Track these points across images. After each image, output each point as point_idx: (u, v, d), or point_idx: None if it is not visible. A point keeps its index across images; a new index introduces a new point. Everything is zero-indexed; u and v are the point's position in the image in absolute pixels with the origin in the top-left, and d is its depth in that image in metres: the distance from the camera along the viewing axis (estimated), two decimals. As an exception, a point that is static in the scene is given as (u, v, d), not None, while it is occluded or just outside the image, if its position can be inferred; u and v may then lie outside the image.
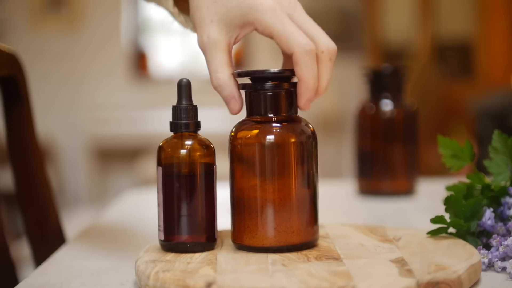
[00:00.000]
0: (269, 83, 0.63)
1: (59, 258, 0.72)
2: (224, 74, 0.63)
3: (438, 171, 3.03)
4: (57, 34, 4.22)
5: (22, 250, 2.50)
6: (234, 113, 0.64)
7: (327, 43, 0.63)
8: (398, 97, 1.08)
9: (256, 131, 0.63)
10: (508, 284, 0.58)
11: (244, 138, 0.63)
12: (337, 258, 0.60)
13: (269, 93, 0.63)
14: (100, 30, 4.21)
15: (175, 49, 4.31)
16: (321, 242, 0.66)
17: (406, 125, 1.08)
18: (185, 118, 0.64)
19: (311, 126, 0.64)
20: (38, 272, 0.66)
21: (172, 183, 0.63)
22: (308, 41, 0.62)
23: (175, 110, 0.64)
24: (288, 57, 0.64)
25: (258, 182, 0.62)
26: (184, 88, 0.65)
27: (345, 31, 4.30)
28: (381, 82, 1.08)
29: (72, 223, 3.05)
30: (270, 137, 0.62)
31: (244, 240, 0.63)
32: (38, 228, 0.85)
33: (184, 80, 0.65)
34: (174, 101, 0.66)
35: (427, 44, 4.16)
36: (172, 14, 0.72)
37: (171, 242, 0.64)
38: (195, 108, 0.64)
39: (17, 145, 0.83)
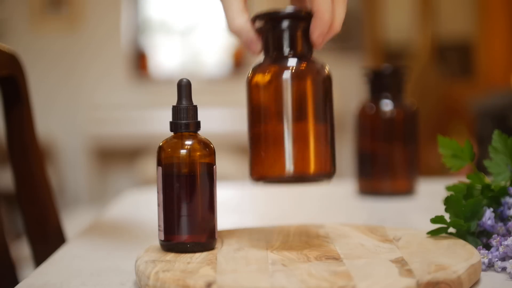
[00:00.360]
0: (286, 22, 0.63)
1: (59, 258, 0.72)
2: (241, 19, 0.64)
3: (438, 171, 3.03)
4: (57, 34, 4.22)
5: (22, 250, 2.50)
6: (256, 53, 0.65)
7: None
8: (398, 97, 1.08)
9: (273, 68, 0.63)
10: (508, 284, 0.58)
11: (262, 75, 0.64)
12: (337, 258, 0.60)
13: (285, 32, 0.63)
14: (100, 30, 4.21)
15: (175, 49, 4.31)
16: (321, 242, 0.66)
17: (406, 125, 1.08)
18: (185, 118, 0.64)
19: (327, 68, 0.65)
20: (38, 272, 0.66)
21: (172, 183, 0.63)
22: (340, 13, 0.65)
23: (175, 110, 0.64)
24: None
25: (275, 116, 0.62)
26: (184, 88, 0.65)
27: (345, 31, 4.29)
28: (381, 82, 1.08)
29: (72, 223, 3.05)
30: (287, 73, 0.63)
31: (263, 171, 0.62)
32: (38, 228, 0.85)
33: (184, 80, 0.65)
34: (174, 101, 0.66)
35: (427, 44, 4.16)
36: None
37: (171, 242, 0.64)
38: (195, 108, 0.65)
39: (17, 145, 0.83)
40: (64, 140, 4.26)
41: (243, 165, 3.84)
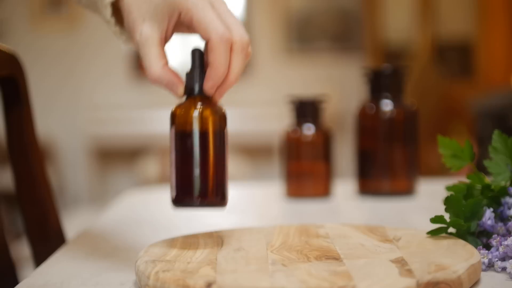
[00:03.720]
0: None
1: (59, 258, 0.72)
2: (158, 66, 0.66)
3: (438, 171, 3.03)
4: (57, 34, 4.22)
5: (22, 250, 2.50)
6: (179, 96, 0.67)
7: (242, 34, 0.65)
8: (398, 97, 1.08)
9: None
10: (508, 284, 0.58)
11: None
12: (337, 258, 0.60)
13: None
14: (100, 30, 4.21)
15: (175, 49, 4.31)
16: (321, 242, 0.66)
17: (406, 125, 1.08)
18: (197, 81, 0.66)
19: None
20: (38, 272, 0.66)
21: (184, 142, 0.65)
22: (226, 30, 0.64)
23: (189, 75, 0.67)
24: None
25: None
26: (197, 56, 0.67)
27: (345, 31, 4.30)
28: (381, 82, 1.08)
29: (72, 223, 3.05)
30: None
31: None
32: (38, 228, 0.85)
33: (198, 49, 0.67)
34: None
35: (427, 44, 4.16)
36: (108, 23, 0.74)
37: (182, 201, 0.65)
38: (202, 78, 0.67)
39: (17, 145, 0.83)
40: (64, 140, 4.26)
41: (243, 165, 3.84)
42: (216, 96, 0.66)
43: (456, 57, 4.25)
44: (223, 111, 0.67)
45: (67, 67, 4.25)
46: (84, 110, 4.24)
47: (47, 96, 4.17)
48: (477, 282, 0.58)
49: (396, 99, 1.08)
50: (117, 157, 4.29)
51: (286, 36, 4.29)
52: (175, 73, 0.66)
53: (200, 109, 0.65)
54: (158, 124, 3.89)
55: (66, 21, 4.21)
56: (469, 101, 3.50)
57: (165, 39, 0.68)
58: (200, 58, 0.67)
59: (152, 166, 3.85)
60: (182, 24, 0.67)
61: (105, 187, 4.26)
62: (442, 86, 4.04)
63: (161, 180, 3.64)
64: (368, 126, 1.09)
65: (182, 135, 0.65)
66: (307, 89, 4.05)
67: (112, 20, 0.73)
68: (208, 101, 0.66)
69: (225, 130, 0.66)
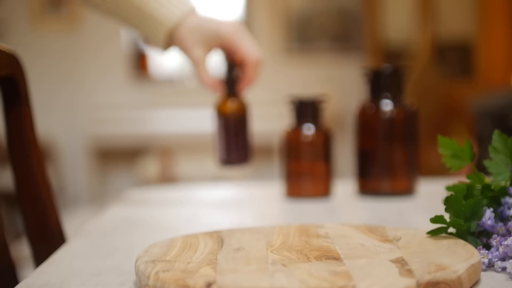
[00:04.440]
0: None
1: (59, 258, 0.72)
2: (207, 78, 1.03)
3: (438, 171, 3.04)
4: (57, 34, 4.22)
5: (22, 250, 2.50)
6: (219, 94, 1.04)
7: (261, 55, 1.02)
8: (398, 97, 1.08)
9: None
10: (508, 284, 0.58)
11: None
12: (337, 258, 0.60)
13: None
14: (100, 30, 4.22)
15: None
16: (321, 242, 0.66)
17: (406, 125, 1.08)
18: (231, 85, 1.04)
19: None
20: (38, 272, 0.66)
21: (225, 124, 1.03)
22: (257, 55, 1.01)
23: (226, 81, 1.04)
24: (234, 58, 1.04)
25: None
26: (230, 68, 1.03)
27: (345, 31, 4.31)
28: (381, 82, 1.08)
29: (72, 223, 3.05)
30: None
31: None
32: (38, 228, 0.85)
33: (230, 63, 1.03)
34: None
35: (427, 44, 4.16)
36: (158, 49, 1.04)
37: (226, 162, 1.04)
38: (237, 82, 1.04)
39: (17, 145, 0.83)
40: (64, 140, 4.26)
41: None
42: (242, 94, 1.05)
43: (456, 57, 4.25)
44: (247, 103, 1.05)
45: (67, 67, 4.25)
46: (84, 110, 4.24)
47: (47, 96, 4.17)
48: (477, 282, 0.58)
49: (396, 99, 1.08)
50: (117, 157, 4.29)
51: (286, 36, 4.29)
52: (216, 81, 1.03)
53: (235, 102, 1.04)
54: (158, 124, 3.89)
55: (66, 21, 4.21)
56: (469, 101, 3.50)
57: (209, 56, 1.02)
58: (231, 69, 1.03)
59: (152, 166, 3.85)
60: (221, 46, 1.01)
61: (105, 187, 4.26)
62: (442, 86, 4.04)
63: (161, 180, 3.64)
64: (368, 126, 1.09)
65: (224, 120, 1.03)
66: (307, 89, 4.05)
67: (165, 48, 1.04)
68: (237, 97, 1.04)
69: (248, 115, 1.05)
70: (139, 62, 4.30)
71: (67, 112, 4.27)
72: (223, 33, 0.99)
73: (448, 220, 0.66)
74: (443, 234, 0.67)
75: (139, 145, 4.13)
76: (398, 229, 0.71)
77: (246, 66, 1.00)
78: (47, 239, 0.85)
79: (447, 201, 0.66)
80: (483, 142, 2.83)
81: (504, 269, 0.61)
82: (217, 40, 0.99)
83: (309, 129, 1.08)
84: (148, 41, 1.03)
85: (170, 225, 0.92)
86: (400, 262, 0.58)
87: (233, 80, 1.03)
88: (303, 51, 4.31)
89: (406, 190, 1.07)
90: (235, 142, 1.02)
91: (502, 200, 0.67)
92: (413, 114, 1.09)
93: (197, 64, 1.00)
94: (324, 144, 1.08)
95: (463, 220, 0.66)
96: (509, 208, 0.67)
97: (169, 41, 1.02)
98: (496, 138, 0.71)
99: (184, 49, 1.00)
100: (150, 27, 0.99)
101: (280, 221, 0.95)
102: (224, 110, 1.03)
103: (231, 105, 1.03)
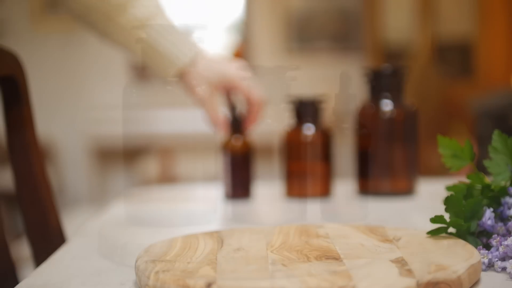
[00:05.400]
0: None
1: (59, 258, 0.72)
2: (216, 115, 1.07)
3: (438, 171, 3.03)
4: (57, 34, 4.22)
5: (22, 250, 2.50)
6: (224, 132, 1.08)
7: (262, 96, 1.07)
8: (398, 97, 1.08)
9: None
10: (508, 284, 0.58)
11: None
12: (337, 258, 0.60)
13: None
14: (100, 30, 4.21)
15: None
16: (321, 242, 0.66)
17: (406, 125, 1.08)
18: (236, 125, 1.09)
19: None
20: (38, 272, 0.66)
21: (232, 160, 1.08)
22: (258, 97, 1.06)
23: (232, 121, 1.09)
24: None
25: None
26: (235, 110, 1.09)
27: (345, 31, 4.30)
28: (381, 82, 1.08)
29: (72, 223, 3.05)
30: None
31: None
32: (38, 228, 0.85)
33: (235, 106, 1.09)
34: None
35: (427, 44, 4.16)
36: (167, 78, 1.10)
37: (233, 196, 1.08)
38: (242, 121, 1.10)
39: (17, 145, 0.83)
40: (64, 140, 4.26)
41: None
42: (247, 132, 1.10)
43: (456, 57, 4.25)
44: (250, 141, 1.10)
45: (67, 67, 4.25)
46: (84, 110, 4.24)
47: (47, 96, 4.17)
48: (477, 282, 0.58)
49: (396, 99, 1.08)
50: (117, 157, 4.28)
51: (286, 36, 4.28)
52: (223, 119, 1.07)
53: (240, 141, 1.09)
54: (158, 124, 3.89)
55: (66, 21, 4.21)
56: (469, 101, 3.50)
57: (216, 96, 1.07)
58: (236, 109, 1.09)
59: (152, 166, 3.85)
60: (226, 86, 1.06)
61: (105, 187, 4.26)
62: (442, 86, 4.03)
63: (161, 180, 3.64)
64: (368, 126, 1.09)
65: (231, 157, 1.08)
66: (307, 89, 4.05)
67: (174, 78, 1.10)
68: (243, 135, 1.09)
69: (252, 152, 1.10)
70: (139, 64, 4.29)
71: (67, 112, 4.26)
72: (229, 74, 1.05)
73: (448, 220, 0.66)
74: (443, 234, 0.67)
75: (139, 145, 4.13)
76: (398, 229, 0.71)
77: (251, 105, 1.06)
78: (47, 239, 0.85)
79: (447, 201, 0.66)
80: (483, 142, 2.83)
81: (504, 269, 0.61)
82: (223, 81, 1.05)
83: (309, 129, 1.08)
84: (157, 75, 1.09)
85: (170, 225, 0.92)
86: (400, 262, 0.58)
87: (238, 119, 1.09)
88: (303, 51, 4.31)
89: (406, 190, 1.07)
90: (240, 178, 1.08)
91: (502, 200, 0.67)
92: (413, 114, 1.09)
93: (205, 104, 1.05)
94: (324, 144, 1.08)
95: (463, 220, 0.66)
96: (509, 208, 0.67)
97: (177, 79, 1.09)
98: (496, 138, 0.71)
99: (191, 90, 1.06)
100: (162, 64, 1.06)
101: (280, 221, 0.95)
102: (230, 148, 1.08)
103: (237, 144, 1.08)
